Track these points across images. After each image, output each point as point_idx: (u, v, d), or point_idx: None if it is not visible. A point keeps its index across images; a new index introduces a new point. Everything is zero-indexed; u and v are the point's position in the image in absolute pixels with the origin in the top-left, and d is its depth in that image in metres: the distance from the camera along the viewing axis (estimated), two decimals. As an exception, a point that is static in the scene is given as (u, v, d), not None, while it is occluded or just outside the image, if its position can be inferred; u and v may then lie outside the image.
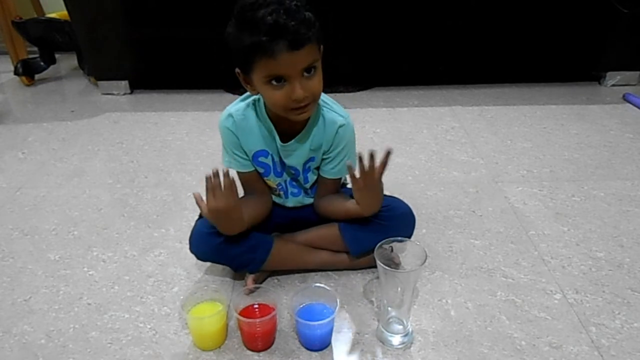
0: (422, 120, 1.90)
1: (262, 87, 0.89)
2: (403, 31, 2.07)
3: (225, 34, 0.87)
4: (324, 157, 1.04)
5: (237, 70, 0.92)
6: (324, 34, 0.90)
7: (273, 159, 1.04)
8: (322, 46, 0.91)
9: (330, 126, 1.00)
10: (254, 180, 1.07)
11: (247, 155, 1.03)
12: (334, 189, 1.09)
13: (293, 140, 1.00)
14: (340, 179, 1.09)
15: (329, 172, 1.05)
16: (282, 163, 1.05)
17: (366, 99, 2.05)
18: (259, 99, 1.00)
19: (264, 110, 1.00)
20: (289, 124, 0.98)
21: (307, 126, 1.00)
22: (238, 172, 1.06)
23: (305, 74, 0.87)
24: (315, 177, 1.08)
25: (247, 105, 1.01)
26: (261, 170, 1.06)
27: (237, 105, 1.02)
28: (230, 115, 1.01)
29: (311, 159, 1.04)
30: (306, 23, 0.83)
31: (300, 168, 1.05)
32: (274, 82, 0.87)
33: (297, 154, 1.02)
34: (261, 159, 1.04)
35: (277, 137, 1.00)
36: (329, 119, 1.00)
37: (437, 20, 2.06)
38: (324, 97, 1.00)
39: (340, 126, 1.00)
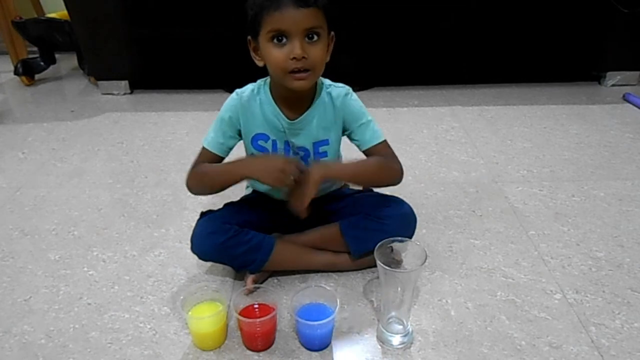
0: (422, 120, 1.90)
1: (266, 47, 0.92)
2: (403, 31, 2.07)
3: (246, 4, 0.93)
4: (352, 132, 1.05)
5: (248, 37, 0.96)
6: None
7: (275, 145, 1.05)
8: (332, 32, 0.96)
9: (337, 97, 1.03)
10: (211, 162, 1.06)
11: (229, 141, 1.04)
12: (390, 154, 1.06)
13: (300, 117, 1.02)
14: (387, 142, 1.06)
15: (369, 140, 1.04)
16: (287, 149, 1.05)
17: (366, 99, 2.02)
18: (264, 83, 1.03)
19: (269, 92, 1.02)
20: (294, 103, 1.01)
21: (313, 104, 1.02)
22: (205, 149, 1.04)
23: (307, 39, 0.91)
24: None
25: (254, 88, 1.04)
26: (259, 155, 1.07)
27: (245, 87, 1.05)
28: (236, 93, 1.04)
29: (324, 142, 1.05)
30: None
31: (310, 149, 1.05)
32: (276, 41, 0.90)
33: (305, 133, 1.03)
34: (260, 142, 1.05)
35: (283, 117, 1.02)
36: (335, 94, 1.03)
37: (437, 20, 2.06)
38: (324, 79, 1.05)
39: (346, 94, 1.04)
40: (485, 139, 1.75)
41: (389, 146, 1.06)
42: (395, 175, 1.04)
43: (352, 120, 1.04)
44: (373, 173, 1.04)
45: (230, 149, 1.06)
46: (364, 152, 1.06)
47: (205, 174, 1.03)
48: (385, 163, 1.04)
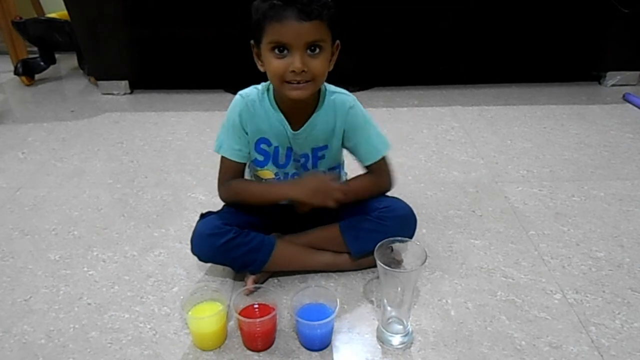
0: (422, 120, 1.90)
1: (267, 55, 0.91)
2: (403, 31, 2.07)
3: (252, 7, 0.91)
4: (352, 148, 1.05)
5: (251, 42, 0.95)
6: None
7: (277, 150, 1.04)
8: (337, 41, 0.95)
9: (341, 107, 1.02)
10: (237, 172, 1.06)
11: (246, 146, 1.04)
12: (384, 171, 1.08)
13: (303, 127, 1.01)
14: (384, 158, 1.06)
15: (368, 157, 1.05)
16: (289, 155, 1.05)
17: (366, 99, 2.06)
18: (267, 89, 1.02)
19: (273, 99, 1.01)
20: (296, 109, 1.00)
21: (316, 111, 1.01)
22: (225, 158, 1.04)
23: (309, 51, 0.89)
24: (324, 166, 1.08)
25: (258, 92, 1.03)
26: (260, 158, 1.06)
27: (249, 89, 1.04)
28: (241, 95, 1.03)
29: (324, 147, 1.05)
30: (320, 1, 0.87)
31: (309, 153, 1.05)
32: (277, 51, 0.89)
33: (308, 140, 1.03)
34: (263, 146, 1.04)
35: (288, 126, 1.01)
36: (339, 101, 1.02)
37: (437, 20, 2.06)
38: (329, 85, 1.03)
39: (350, 107, 1.02)
40: (485, 139, 1.75)
41: (385, 162, 1.07)
42: (380, 192, 1.09)
43: (352, 136, 1.04)
44: (356, 196, 1.07)
45: (249, 154, 1.06)
46: (363, 166, 1.08)
47: (244, 190, 1.06)
48: (371, 186, 1.07)
